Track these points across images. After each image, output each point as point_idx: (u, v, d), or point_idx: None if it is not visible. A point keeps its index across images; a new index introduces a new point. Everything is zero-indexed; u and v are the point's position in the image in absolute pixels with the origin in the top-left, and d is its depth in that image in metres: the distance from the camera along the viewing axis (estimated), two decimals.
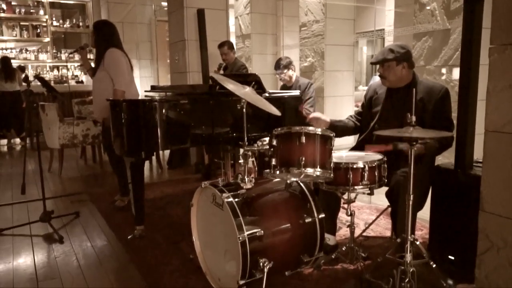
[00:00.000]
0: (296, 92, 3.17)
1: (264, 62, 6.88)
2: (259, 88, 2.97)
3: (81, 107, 5.40)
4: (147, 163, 5.19)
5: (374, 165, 1.98)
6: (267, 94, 2.88)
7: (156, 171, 4.98)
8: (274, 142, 1.89)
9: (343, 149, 2.34)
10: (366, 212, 3.13)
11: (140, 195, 2.73)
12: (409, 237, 1.87)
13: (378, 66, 2.41)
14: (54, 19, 8.38)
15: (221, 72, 4.37)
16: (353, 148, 2.43)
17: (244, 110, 2.24)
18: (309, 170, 1.82)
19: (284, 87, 3.85)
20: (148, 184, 4.24)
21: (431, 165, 2.29)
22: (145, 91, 3.70)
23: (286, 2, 7.06)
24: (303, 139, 1.81)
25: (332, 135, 1.88)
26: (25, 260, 2.49)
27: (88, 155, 5.47)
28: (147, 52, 8.35)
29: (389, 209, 2.30)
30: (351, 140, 4.97)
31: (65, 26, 8.52)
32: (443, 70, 3.99)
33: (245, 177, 2.00)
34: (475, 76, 2.05)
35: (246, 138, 2.15)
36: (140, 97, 3.45)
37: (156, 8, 7.90)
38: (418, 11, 4.06)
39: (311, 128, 1.84)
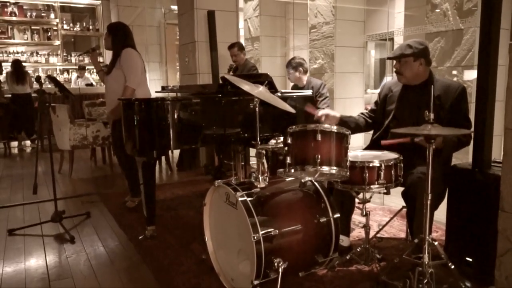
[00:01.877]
0: (308, 92, 3.15)
1: (273, 64, 6.86)
2: (271, 88, 2.95)
3: (91, 109, 5.43)
4: (156, 165, 5.19)
5: (390, 164, 1.94)
6: (279, 94, 2.85)
7: (166, 172, 4.98)
8: (289, 140, 1.86)
9: (355, 150, 2.31)
10: (379, 214, 3.09)
11: (151, 195, 2.72)
12: (427, 238, 1.83)
13: (390, 64, 2.37)
14: (64, 22, 8.47)
15: (231, 73, 4.36)
16: (368, 147, 2.40)
17: (257, 109, 2.23)
18: (325, 168, 1.79)
19: (296, 87, 3.84)
20: (158, 185, 4.23)
21: (448, 164, 2.25)
22: (156, 91, 3.70)
23: (295, 5, 7.05)
24: (319, 136, 1.79)
25: (348, 133, 1.85)
26: (37, 260, 2.49)
27: (98, 156, 5.50)
28: (156, 55, 8.41)
29: (404, 210, 2.26)
30: (360, 141, 4.94)
31: (75, 29, 8.60)
32: (454, 72, 3.94)
33: (259, 175, 1.98)
34: (493, 74, 2.02)
35: (258, 137, 2.14)
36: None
37: (165, 11, 7.94)
38: (430, 12, 4.02)
39: (326, 125, 1.81)
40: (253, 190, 1.91)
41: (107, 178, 4.67)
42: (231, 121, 2.82)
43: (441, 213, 2.27)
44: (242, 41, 7.91)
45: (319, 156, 1.77)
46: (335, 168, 1.80)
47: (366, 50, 5.81)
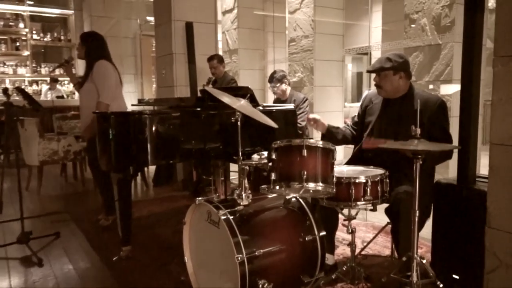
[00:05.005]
0: (290, 106, 3.09)
1: (252, 77, 6.84)
2: (253, 101, 2.89)
3: (62, 122, 5.20)
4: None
5: (377, 179, 1.89)
6: (261, 108, 2.79)
7: (141, 188, 4.80)
8: (274, 156, 1.79)
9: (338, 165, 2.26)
10: (363, 230, 3.04)
11: (127, 213, 2.57)
12: (416, 256, 1.78)
13: (368, 78, 2.35)
14: (34, 32, 8.19)
15: (210, 86, 4.28)
16: (350, 162, 2.35)
17: (238, 123, 2.17)
18: (311, 185, 1.72)
19: (278, 101, 3.78)
20: (134, 202, 4.04)
21: (431, 179, 2.22)
22: (132, 104, 3.57)
23: (274, 18, 7.08)
24: (305, 152, 1.72)
25: (333, 148, 1.79)
26: (1, 285, 2.29)
27: (69, 172, 5.24)
28: (131, 67, 8.23)
29: (389, 226, 2.21)
30: (340, 154, 4.92)
31: (45, 39, 8.33)
32: (431, 86, 3.99)
33: (242, 192, 1.89)
34: (477, 89, 2.01)
35: (240, 152, 2.06)
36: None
37: (141, 22, 7.81)
38: (408, 26, 4.09)
39: (312, 140, 1.75)
40: (236, 208, 1.81)
41: (79, 195, 4.45)
42: (211, 136, 2.74)
43: (425, 229, 2.23)
44: (220, 53, 7.89)
45: (305, 172, 1.70)
46: (321, 184, 1.74)
47: (343, 63, 5.86)
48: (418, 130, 1.71)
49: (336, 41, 5.48)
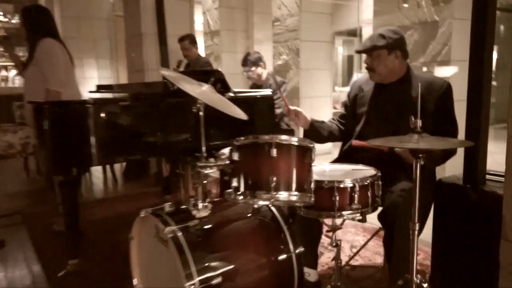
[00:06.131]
0: (267, 91, 2.68)
1: (234, 61, 6.36)
2: (224, 87, 2.48)
3: (23, 110, 4.73)
4: (99, 174, 4.59)
5: (366, 183, 1.51)
6: (231, 94, 2.38)
7: (110, 184, 4.39)
8: (236, 157, 1.39)
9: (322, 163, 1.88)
10: (351, 232, 2.67)
11: (73, 222, 2.17)
12: (415, 279, 1.43)
13: (359, 61, 1.95)
14: (1, 14, 7.62)
15: (181, 69, 3.85)
16: (337, 160, 1.97)
17: (201, 113, 1.79)
18: (283, 194, 1.34)
19: (255, 87, 3.36)
20: (98, 200, 3.67)
21: (432, 179, 1.86)
22: (90, 91, 3.13)
23: None
24: (274, 152, 1.33)
25: (312, 145, 1.40)
26: None
27: (32, 167, 4.78)
28: (106, 51, 7.73)
29: (382, 231, 1.85)
30: (329, 145, 4.55)
31: (13, 21, 7.75)
32: (424, 68, 3.61)
33: (199, 202, 1.50)
34: (489, 73, 1.63)
35: (204, 149, 1.69)
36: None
37: (114, 1, 7.27)
38: (402, 2, 3.67)
39: (284, 137, 1.36)
40: (188, 223, 1.43)
41: (39, 193, 4.01)
42: (178, 127, 2.34)
43: (426, 232, 1.87)
44: (200, 35, 7.38)
45: (275, 179, 1.32)
46: (295, 193, 1.35)
47: (333, 46, 5.44)
48: (419, 122, 1.33)
49: (324, 20, 5.05)
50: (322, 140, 2.01)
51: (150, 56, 4.26)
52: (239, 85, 3.51)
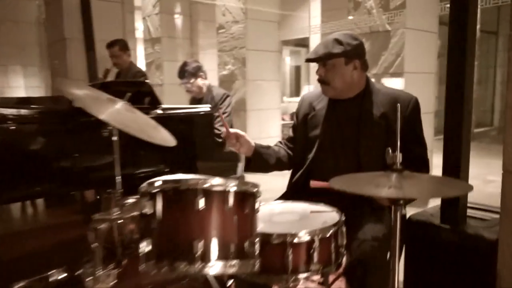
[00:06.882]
0: (205, 107, 2.27)
1: (176, 70, 5.93)
2: (153, 102, 2.06)
3: None
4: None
5: (328, 235, 1.15)
6: (159, 111, 1.95)
7: (30, 211, 3.73)
8: (147, 209, 0.98)
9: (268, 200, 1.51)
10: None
11: None
12: None
13: (307, 71, 1.62)
14: None
15: (109, 80, 3.34)
16: (287, 195, 1.61)
17: (114, 138, 1.39)
18: (214, 265, 0.94)
19: (194, 101, 2.93)
20: (11, 234, 3.05)
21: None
22: None
23: (202, 5, 6.23)
24: (201, 202, 0.93)
25: (255, 190, 1.02)
26: None
27: None
28: (35, 58, 6.98)
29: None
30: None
31: None
32: (373, 80, 3.43)
33: (97, 270, 1.07)
34: (470, 88, 1.35)
35: (119, 182, 1.30)
36: None
37: (41, 3, 6.55)
38: (353, 10, 3.46)
39: (216, 180, 0.96)
40: None
41: None
42: (90, 153, 1.88)
43: None
44: (141, 42, 6.86)
45: (201, 243, 0.92)
46: (233, 262, 0.96)
47: (281, 56, 5.18)
48: (399, 157, 1.00)
49: (271, 29, 4.76)
50: (268, 169, 1.65)
51: (76, 64, 3.70)
52: (183, 98, 3.07)
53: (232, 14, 4.70)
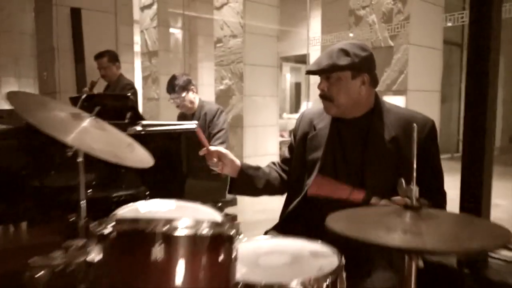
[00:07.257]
0: (191, 124, 2.06)
1: None
2: (136, 118, 1.87)
3: None
4: None
5: (325, 285, 0.94)
6: (138, 128, 1.75)
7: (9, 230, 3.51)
8: (95, 255, 0.77)
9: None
10: None
11: None
12: None
13: (307, 87, 1.43)
14: None
15: (95, 92, 3.17)
16: (279, 226, 1.40)
17: (79, 159, 1.22)
18: None
19: (183, 117, 2.73)
20: None
21: None
22: None
23: (200, 20, 6.13)
24: (160, 251, 0.73)
25: (233, 234, 0.82)
26: None
27: None
28: (30, 69, 6.86)
29: None
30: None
31: None
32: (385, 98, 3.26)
33: None
34: (492, 105, 1.16)
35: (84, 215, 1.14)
36: None
37: None
38: (354, 24, 3.31)
39: (183, 222, 0.76)
40: None
41: None
42: (48, 176, 1.70)
43: None
44: (138, 56, 6.73)
45: None
46: None
47: (280, 72, 5.02)
48: (415, 190, 0.80)
49: (270, 44, 4.62)
50: (255, 192, 1.46)
51: (65, 76, 3.55)
52: (174, 113, 2.88)
53: (230, 28, 4.58)
